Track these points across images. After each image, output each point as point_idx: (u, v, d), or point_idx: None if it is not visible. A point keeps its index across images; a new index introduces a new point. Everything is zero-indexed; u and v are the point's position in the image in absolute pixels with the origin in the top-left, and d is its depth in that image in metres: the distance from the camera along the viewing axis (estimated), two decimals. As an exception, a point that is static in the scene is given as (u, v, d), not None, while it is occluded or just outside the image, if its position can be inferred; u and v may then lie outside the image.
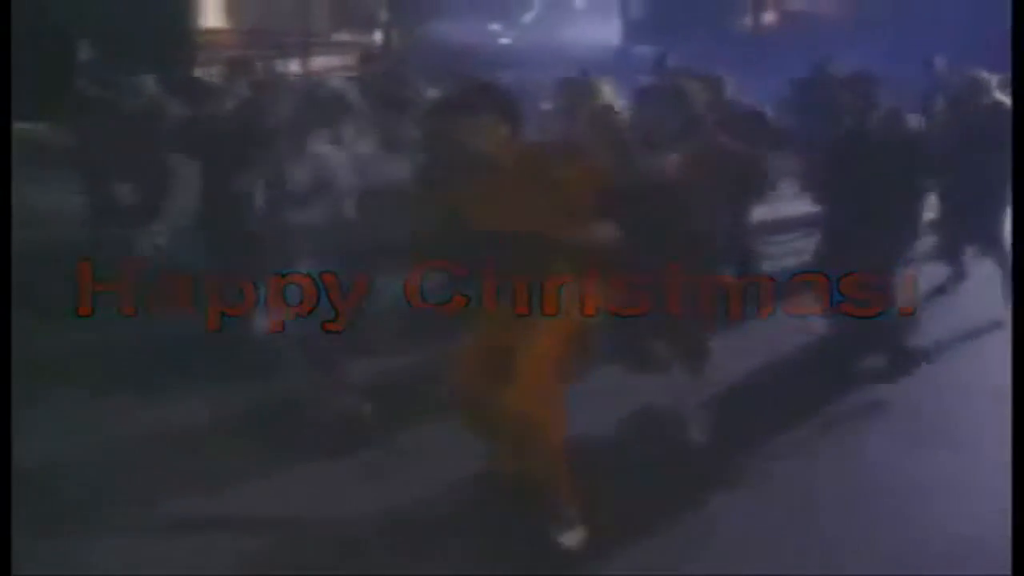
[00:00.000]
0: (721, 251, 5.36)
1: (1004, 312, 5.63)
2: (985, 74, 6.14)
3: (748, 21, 20.28)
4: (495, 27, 32.73)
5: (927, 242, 6.22)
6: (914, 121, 5.21)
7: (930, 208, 5.59)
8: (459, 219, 3.48)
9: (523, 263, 3.39)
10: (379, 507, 3.78)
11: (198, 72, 9.45)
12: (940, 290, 6.41)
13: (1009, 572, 2.94)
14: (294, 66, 12.56)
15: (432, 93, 6.70)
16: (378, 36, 18.40)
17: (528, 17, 37.18)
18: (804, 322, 5.67)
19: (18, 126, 8.03)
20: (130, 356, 5.18)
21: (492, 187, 3.40)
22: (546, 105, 6.31)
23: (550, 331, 3.41)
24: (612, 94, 5.73)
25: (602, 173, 3.59)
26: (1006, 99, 5.86)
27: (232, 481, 3.97)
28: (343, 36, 16.71)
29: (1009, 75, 6.09)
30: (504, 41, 30.30)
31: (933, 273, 6.45)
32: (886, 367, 5.04)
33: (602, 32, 25.97)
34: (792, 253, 7.11)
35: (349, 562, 3.46)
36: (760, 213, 7.66)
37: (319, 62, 13.73)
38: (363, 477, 4.02)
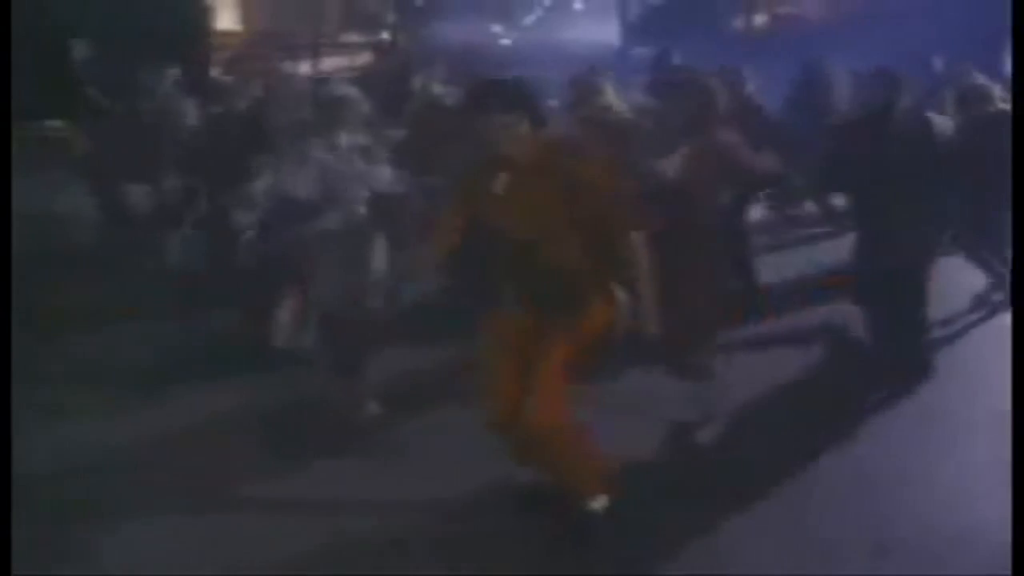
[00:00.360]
0: (735, 250, 5.39)
1: (1005, 310, 5.65)
2: (984, 78, 6.17)
3: (744, 23, 20.27)
4: (497, 28, 32.83)
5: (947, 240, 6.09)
6: (929, 119, 5.20)
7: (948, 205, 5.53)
8: (478, 220, 3.40)
9: (543, 267, 3.30)
10: (390, 509, 3.81)
11: (212, 73, 9.50)
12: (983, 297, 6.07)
13: (1009, 572, 2.94)
14: (304, 67, 12.64)
15: (438, 90, 6.75)
16: (385, 36, 18.46)
17: (529, 19, 37.31)
18: (815, 323, 5.73)
19: (29, 128, 8.08)
20: (146, 358, 5.19)
21: (512, 187, 3.28)
22: (552, 103, 6.34)
23: (569, 340, 3.33)
24: (616, 93, 5.78)
25: (624, 172, 3.53)
26: (1007, 101, 5.89)
27: (239, 483, 4.01)
28: (351, 37, 16.85)
29: (1009, 78, 6.11)
30: (505, 42, 30.39)
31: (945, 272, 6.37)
32: (902, 365, 5.02)
33: (601, 34, 25.95)
34: (805, 252, 7.18)
35: (359, 564, 3.48)
36: (771, 212, 7.73)
37: (328, 63, 13.83)
38: (374, 479, 4.01)
